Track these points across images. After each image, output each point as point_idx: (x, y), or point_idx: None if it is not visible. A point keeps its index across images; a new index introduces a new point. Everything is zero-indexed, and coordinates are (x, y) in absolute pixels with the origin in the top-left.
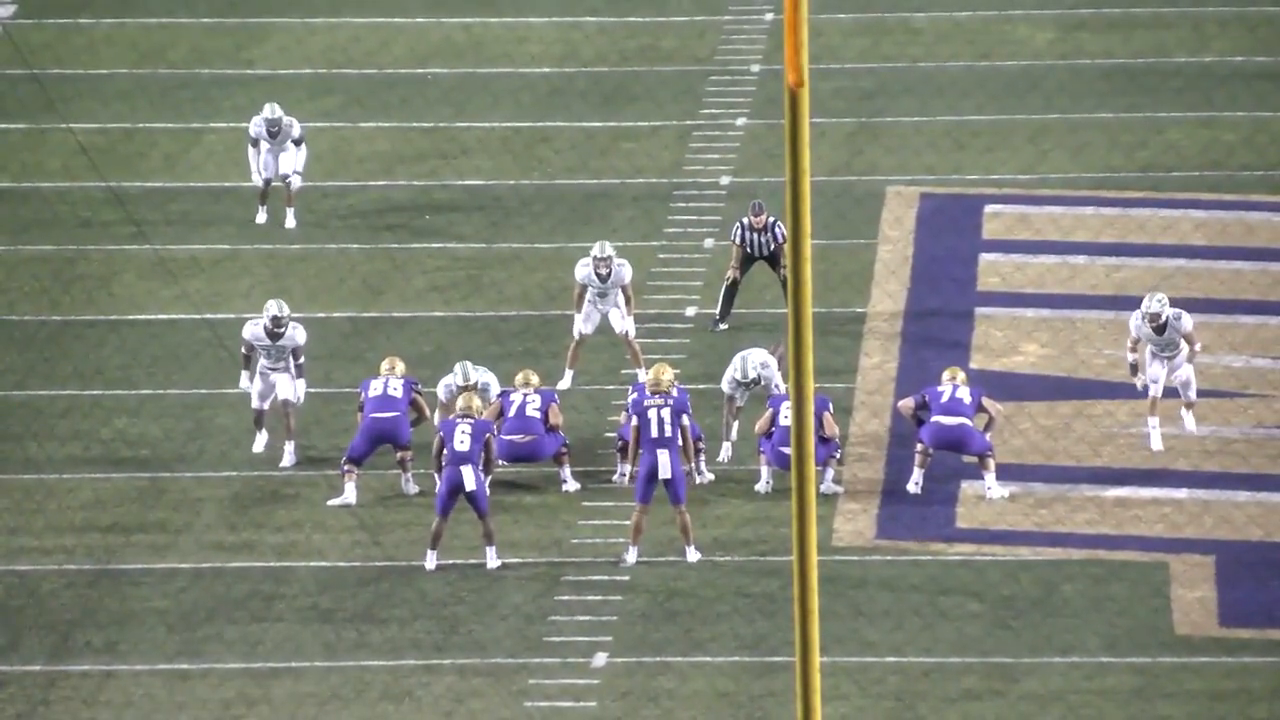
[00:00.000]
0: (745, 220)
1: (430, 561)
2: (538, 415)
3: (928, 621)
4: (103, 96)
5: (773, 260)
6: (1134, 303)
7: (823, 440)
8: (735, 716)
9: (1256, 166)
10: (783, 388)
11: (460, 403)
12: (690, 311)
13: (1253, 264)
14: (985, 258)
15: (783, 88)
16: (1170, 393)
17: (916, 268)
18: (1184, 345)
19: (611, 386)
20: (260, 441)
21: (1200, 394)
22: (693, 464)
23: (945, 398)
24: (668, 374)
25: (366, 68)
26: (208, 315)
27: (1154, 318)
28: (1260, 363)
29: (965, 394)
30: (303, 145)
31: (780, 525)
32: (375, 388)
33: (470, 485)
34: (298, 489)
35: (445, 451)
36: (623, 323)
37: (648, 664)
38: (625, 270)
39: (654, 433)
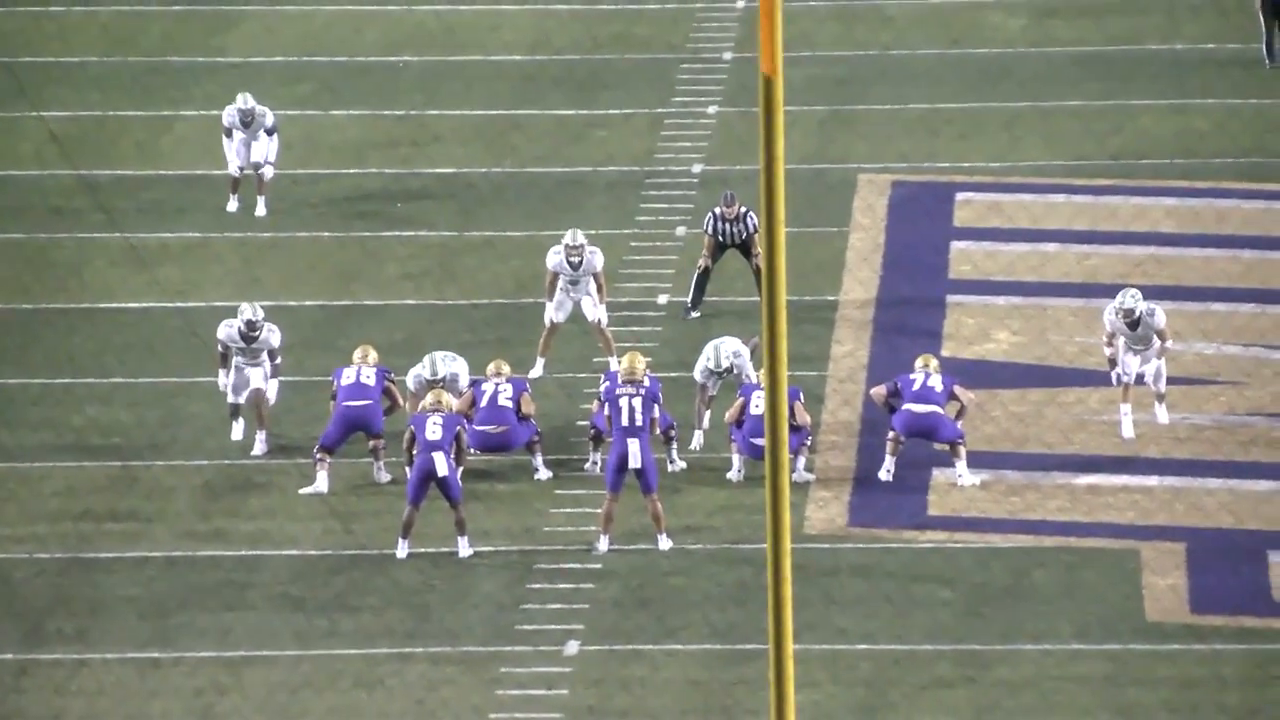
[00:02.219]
0: (718, 210)
1: (402, 550)
2: (509, 405)
3: (899, 609)
4: (74, 83)
5: (745, 249)
6: (1105, 290)
7: (794, 429)
8: (707, 704)
9: (1228, 154)
10: (754, 377)
11: (429, 399)
12: (662, 299)
13: (1224, 251)
14: (957, 245)
15: (756, 75)
16: (1142, 380)
17: (888, 255)
18: (1157, 340)
19: (584, 375)
20: (238, 430)
21: (1171, 381)
22: (666, 452)
23: (917, 385)
24: (641, 363)
25: (338, 55)
26: (179, 303)
27: (1128, 314)
28: (1231, 349)
29: (937, 382)
30: (275, 134)
31: (753, 513)
32: (348, 376)
33: (443, 471)
34: (269, 477)
35: (417, 442)
36: (595, 310)
37: (620, 652)
38: (597, 258)
39: (625, 421)
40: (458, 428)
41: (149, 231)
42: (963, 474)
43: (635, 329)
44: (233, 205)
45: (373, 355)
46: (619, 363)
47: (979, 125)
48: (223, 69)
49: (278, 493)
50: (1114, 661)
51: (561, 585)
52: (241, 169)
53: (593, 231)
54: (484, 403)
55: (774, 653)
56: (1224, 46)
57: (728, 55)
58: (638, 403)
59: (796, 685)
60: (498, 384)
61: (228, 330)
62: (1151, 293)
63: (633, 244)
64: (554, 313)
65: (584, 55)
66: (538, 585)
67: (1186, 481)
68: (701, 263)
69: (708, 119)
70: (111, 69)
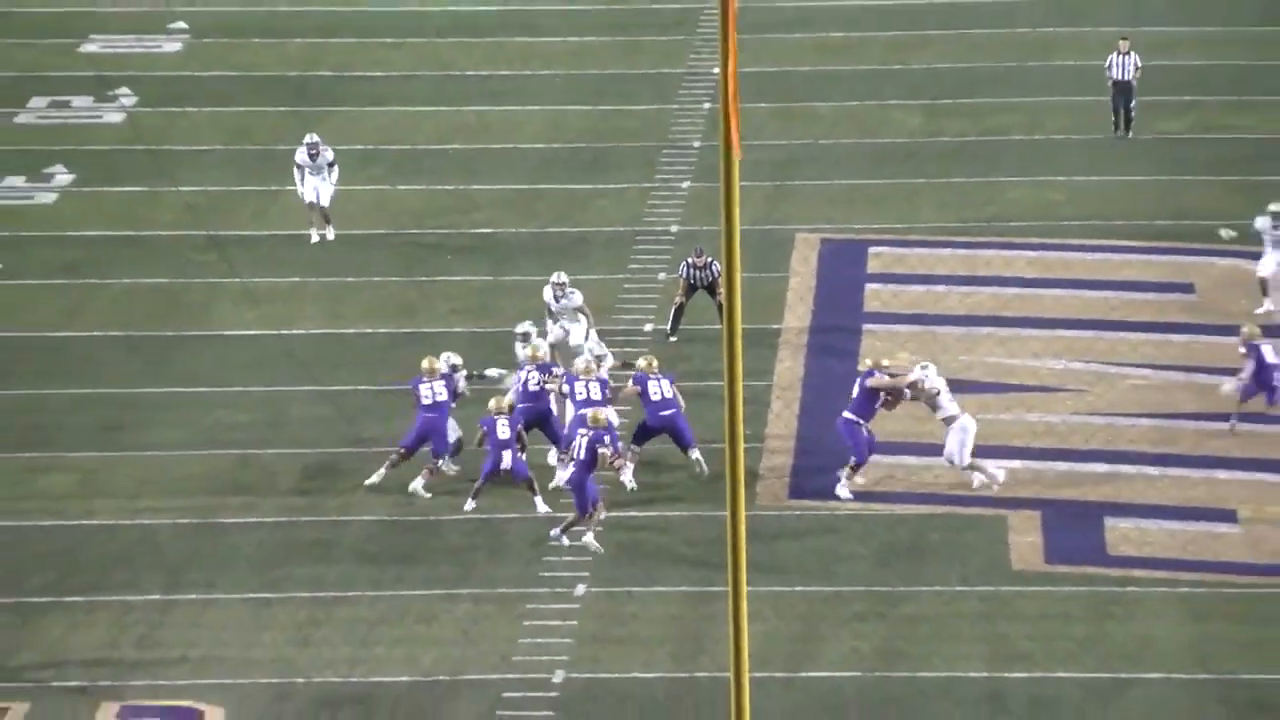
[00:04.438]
0: (690, 260)
1: (469, 505)
2: (674, 392)
3: (827, 561)
4: (204, 166)
5: (710, 289)
6: (984, 321)
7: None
8: (682, 634)
9: (1075, 218)
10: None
11: (492, 404)
12: (649, 327)
13: (1070, 291)
14: (870, 287)
15: (719, 158)
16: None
17: (818, 295)
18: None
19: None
20: (376, 477)
21: (1030, 389)
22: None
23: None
24: (653, 361)
25: (403, 144)
26: (282, 331)
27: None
28: (1076, 365)
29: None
30: (335, 168)
31: (717, 493)
32: (425, 393)
33: (507, 465)
34: (351, 464)
35: (489, 439)
36: (577, 337)
37: (617, 594)
38: (576, 296)
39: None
40: (519, 425)
41: (260, 277)
42: (843, 484)
43: (628, 349)
44: (315, 237)
45: (440, 363)
46: (640, 362)
47: (887, 197)
48: None
49: (357, 475)
50: (988, 601)
51: (571, 545)
52: (312, 204)
53: (594, 277)
54: (653, 394)
55: (732, 595)
56: (1072, 138)
57: (697, 143)
58: (584, 442)
59: (749, 619)
60: (658, 377)
61: (300, 154)
62: (1013, 323)
63: (625, 286)
64: (550, 333)
65: (588, 144)
66: (553, 545)
67: (1042, 464)
68: (678, 300)
69: (682, 191)
70: (233, 155)
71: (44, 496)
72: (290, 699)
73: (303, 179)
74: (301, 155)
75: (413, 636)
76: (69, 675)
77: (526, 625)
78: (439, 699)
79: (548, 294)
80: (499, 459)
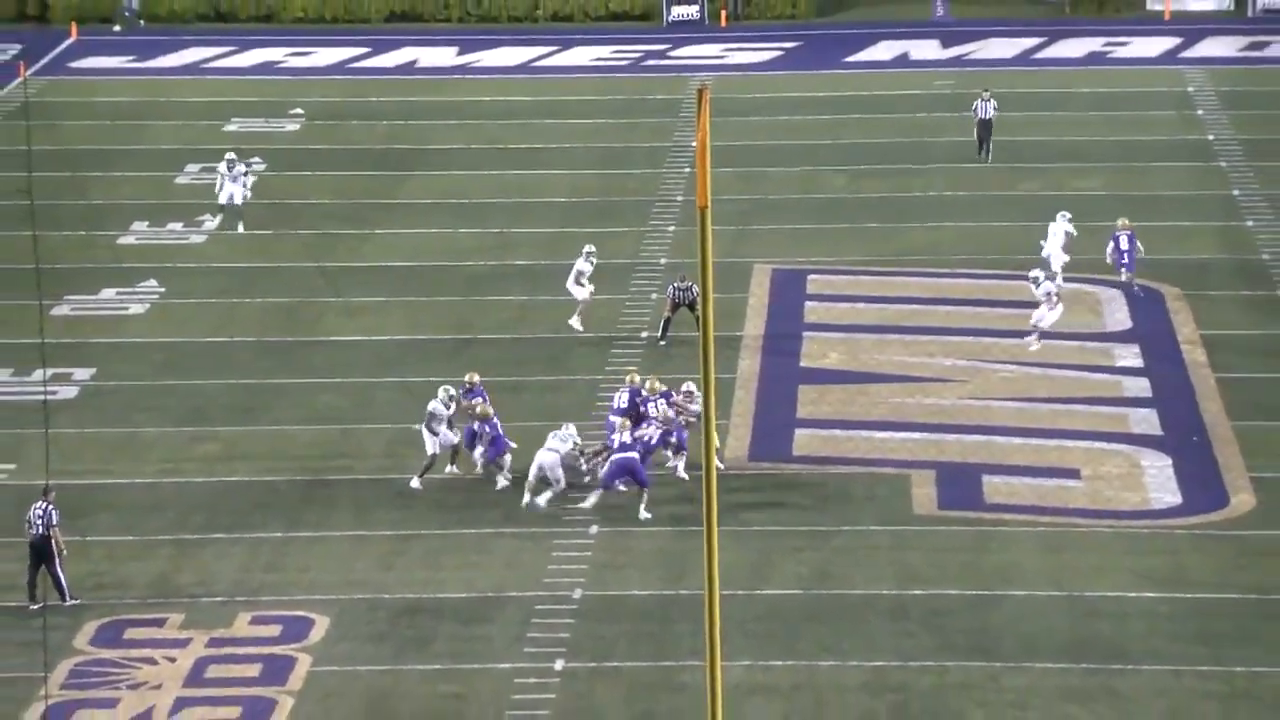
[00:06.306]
0: (675, 284)
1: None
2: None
3: (774, 508)
4: (314, 215)
5: (690, 306)
6: (895, 330)
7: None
8: (670, 562)
9: (959, 253)
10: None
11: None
12: (644, 335)
13: (955, 307)
14: (808, 304)
15: (695, 209)
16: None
17: (770, 310)
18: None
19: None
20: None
21: (922, 380)
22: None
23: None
24: (657, 382)
25: (462, 199)
26: (372, 337)
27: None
28: (959, 362)
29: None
30: (249, 177)
31: (695, 458)
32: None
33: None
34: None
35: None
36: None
37: (620, 532)
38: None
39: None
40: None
41: (355, 297)
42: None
43: (629, 352)
44: (213, 224)
45: (476, 377)
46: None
47: (821, 237)
48: (399, 207)
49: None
50: (895, 537)
51: (588, 503)
52: (225, 205)
53: (604, 297)
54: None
55: (706, 532)
56: (958, 193)
57: (679, 198)
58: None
59: (719, 550)
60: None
61: (221, 166)
62: (914, 331)
63: (626, 304)
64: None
65: (599, 198)
66: (573, 505)
67: (936, 436)
68: (666, 314)
69: (668, 233)
70: (336, 207)
71: (199, 460)
72: (378, 610)
73: (221, 185)
74: (222, 167)
75: (469, 564)
76: (215, 592)
77: (554, 555)
78: (488, 610)
79: (581, 262)
80: (504, 446)
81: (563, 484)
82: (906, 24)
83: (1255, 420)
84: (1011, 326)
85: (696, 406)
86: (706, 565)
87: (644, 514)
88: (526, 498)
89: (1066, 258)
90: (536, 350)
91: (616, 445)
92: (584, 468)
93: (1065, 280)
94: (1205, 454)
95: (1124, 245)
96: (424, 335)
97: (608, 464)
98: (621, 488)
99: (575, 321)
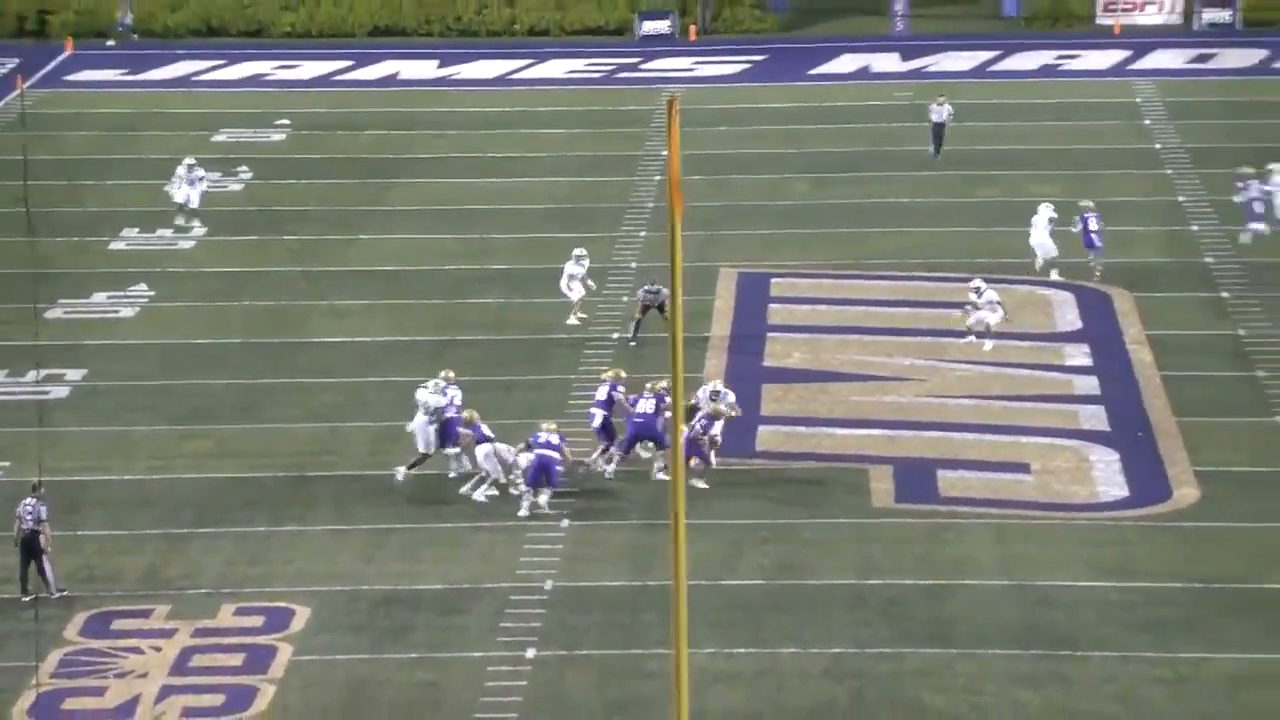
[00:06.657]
0: (645, 287)
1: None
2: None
3: (742, 501)
4: (299, 221)
5: (660, 308)
6: (857, 330)
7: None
8: (638, 554)
9: (918, 257)
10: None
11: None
12: (615, 335)
13: (913, 309)
14: (772, 306)
15: (666, 216)
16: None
17: (736, 311)
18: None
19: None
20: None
21: (884, 379)
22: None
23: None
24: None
25: (445, 205)
26: (359, 338)
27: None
28: (917, 362)
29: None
30: (204, 181)
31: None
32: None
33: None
34: (408, 434)
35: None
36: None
37: (590, 525)
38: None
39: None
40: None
41: (342, 300)
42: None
43: (600, 353)
44: (180, 219)
45: (451, 374)
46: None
47: (785, 243)
48: (382, 214)
49: (409, 441)
50: (857, 528)
51: (554, 500)
52: (180, 205)
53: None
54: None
55: (674, 525)
56: (916, 200)
57: (650, 204)
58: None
59: (686, 542)
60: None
61: (180, 169)
62: (873, 331)
63: (599, 305)
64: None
65: (574, 204)
66: (549, 499)
67: (894, 432)
68: (637, 316)
69: (640, 239)
70: (321, 214)
71: (189, 456)
72: (358, 601)
73: (179, 185)
74: (181, 169)
75: (445, 557)
76: (200, 584)
77: (526, 549)
78: (463, 601)
79: (572, 265)
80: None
81: (519, 477)
82: (868, 38)
83: (1198, 416)
84: (968, 327)
85: (723, 406)
86: (674, 556)
87: (659, 475)
88: (525, 504)
89: (1055, 251)
90: (515, 351)
91: (638, 413)
92: (596, 469)
93: (1053, 273)
94: (1151, 449)
95: (1093, 226)
96: (407, 336)
97: (627, 428)
98: (643, 454)
99: (573, 319)
